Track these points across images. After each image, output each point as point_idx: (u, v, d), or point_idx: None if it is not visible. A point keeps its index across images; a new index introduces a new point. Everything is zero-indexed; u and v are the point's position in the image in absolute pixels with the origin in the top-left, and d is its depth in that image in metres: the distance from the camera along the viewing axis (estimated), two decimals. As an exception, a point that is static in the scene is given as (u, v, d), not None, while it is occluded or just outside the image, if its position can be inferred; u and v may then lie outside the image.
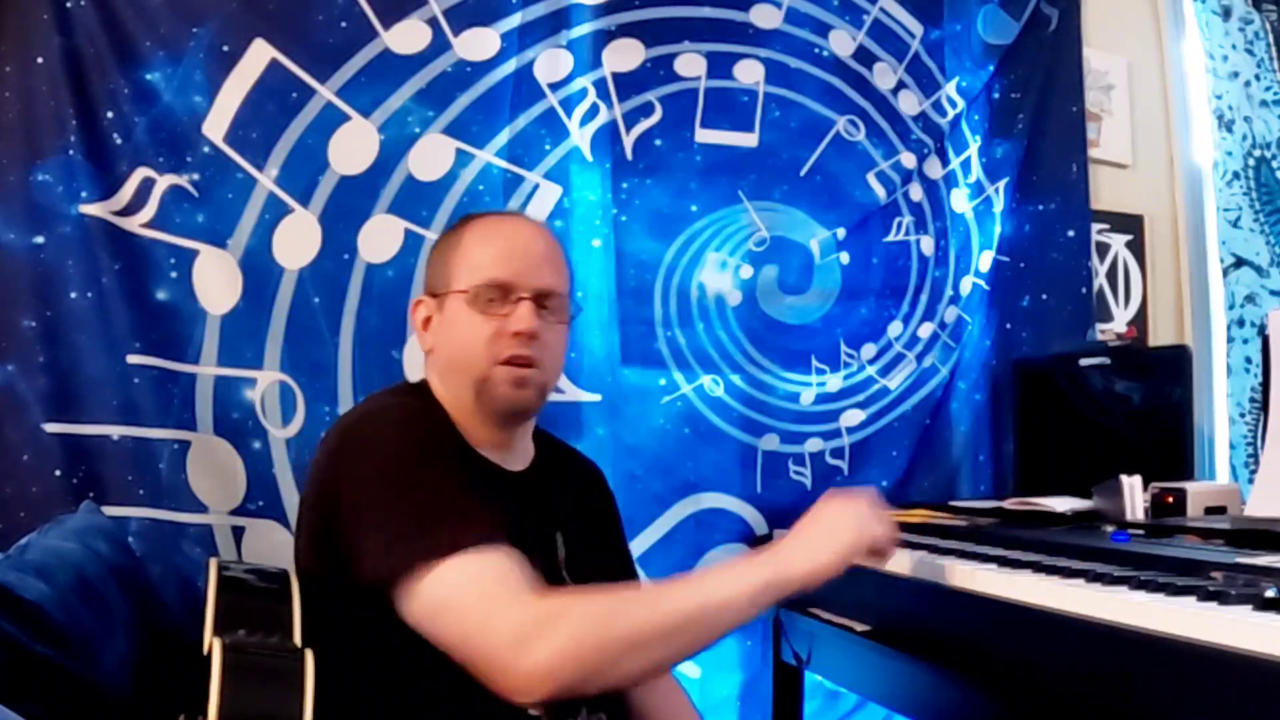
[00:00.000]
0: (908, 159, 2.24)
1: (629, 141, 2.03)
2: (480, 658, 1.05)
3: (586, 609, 1.06)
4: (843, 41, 2.19)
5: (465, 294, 1.27)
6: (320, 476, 1.22)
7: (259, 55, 1.77)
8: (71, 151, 1.65)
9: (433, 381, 1.34)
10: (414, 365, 1.81)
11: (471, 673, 1.05)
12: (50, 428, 1.62)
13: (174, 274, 1.72)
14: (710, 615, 1.08)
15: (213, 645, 1.01)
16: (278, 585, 1.15)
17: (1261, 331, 2.06)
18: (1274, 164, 2.56)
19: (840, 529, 1.17)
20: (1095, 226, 2.44)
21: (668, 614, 1.07)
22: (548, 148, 1.97)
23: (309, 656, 1.03)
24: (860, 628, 1.63)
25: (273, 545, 1.72)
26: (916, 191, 2.26)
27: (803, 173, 2.15)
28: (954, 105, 2.29)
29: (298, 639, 1.08)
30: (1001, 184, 2.34)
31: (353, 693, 1.13)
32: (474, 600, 1.06)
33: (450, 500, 1.13)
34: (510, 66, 1.93)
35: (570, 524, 1.35)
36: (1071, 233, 2.39)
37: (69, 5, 1.66)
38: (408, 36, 1.86)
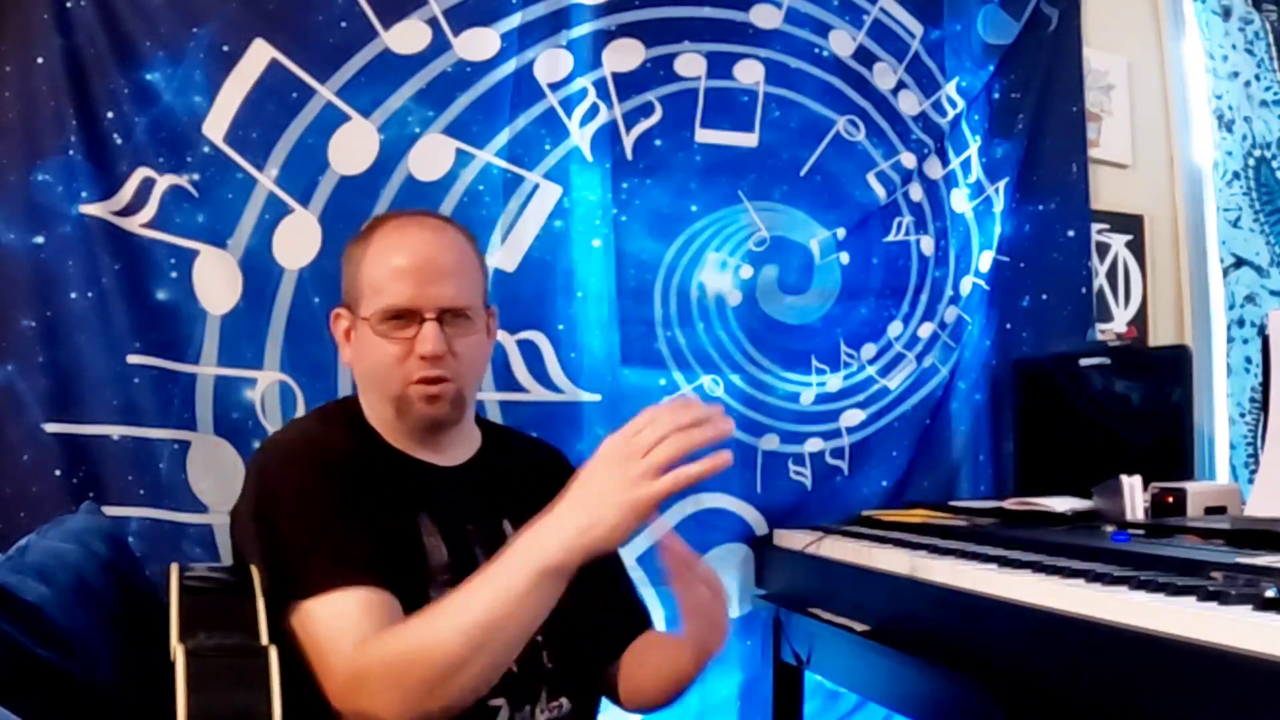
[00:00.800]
0: (908, 159, 2.24)
1: (629, 141, 2.03)
2: (328, 693, 1.10)
3: (396, 655, 1.07)
4: (843, 41, 2.19)
5: (369, 321, 1.28)
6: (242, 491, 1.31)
7: (259, 55, 1.76)
8: (71, 151, 1.65)
9: (360, 393, 1.37)
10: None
11: None
12: (50, 428, 1.62)
13: (174, 274, 1.72)
14: (500, 626, 1.07)
15: (176, 653, 1.00)
16: (241, 582, 1.15)
17: (1261, 331, 2.06)
18: (1274, 164, 2.56)
19: (604, 499, 1.09)
20: (1095, 226, 2.44)
21: (467, 637, 1.06)
22: (548, 148, 1.96)
23: (273, 654, 1.02)
24: (860, 628, 1.63)
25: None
26: (916, 191, 2.26)
27: (803, 173, 2.15)
28: (954, 105, 2.29)
29: (263, 636, 1.07)
30: (1001, 184, 2.34)
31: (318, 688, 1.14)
32: (320, 642, 1.12)
33: (314, 543, 1.17)
34: (510, 66, 1.93)
35: (521, 510, 1.34)
36: (1071, 233, 2.39)
37: (69, 5, 1.66)
38: (408, 36, 1.86)
